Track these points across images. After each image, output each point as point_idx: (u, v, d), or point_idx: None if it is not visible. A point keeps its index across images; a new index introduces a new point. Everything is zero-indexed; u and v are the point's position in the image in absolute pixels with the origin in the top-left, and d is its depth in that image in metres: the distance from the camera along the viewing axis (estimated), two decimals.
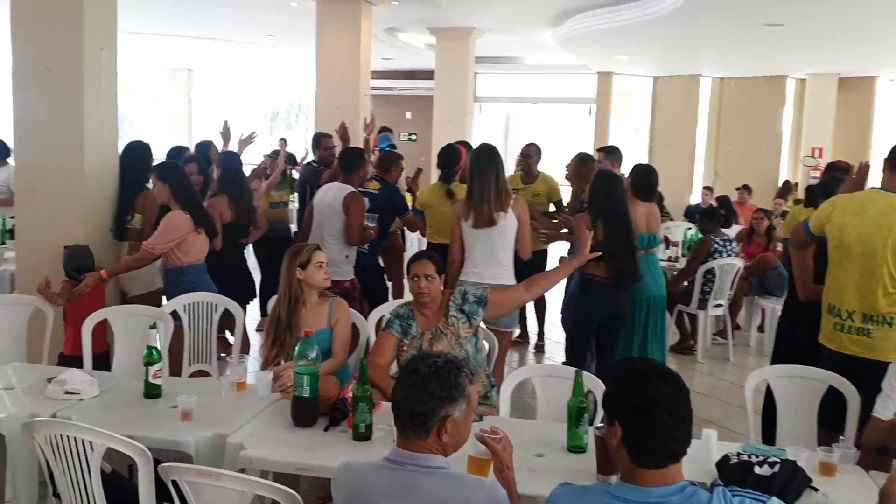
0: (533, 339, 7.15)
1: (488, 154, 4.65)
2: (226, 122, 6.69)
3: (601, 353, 4.96)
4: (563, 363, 4.94)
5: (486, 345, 3.85)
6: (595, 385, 3.26)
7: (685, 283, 6.96)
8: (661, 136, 14.81)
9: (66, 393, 3.13)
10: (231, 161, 5.61)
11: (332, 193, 5.32)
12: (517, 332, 6.45)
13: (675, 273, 7.08)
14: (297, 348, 2.97)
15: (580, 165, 5.99)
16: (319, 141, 6.68)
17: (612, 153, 6.20)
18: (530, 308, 7.10)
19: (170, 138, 13.16)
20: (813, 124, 13.75)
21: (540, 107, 16.35)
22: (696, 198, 12.88)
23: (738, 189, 10.69)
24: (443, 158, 5.76)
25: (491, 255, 4.60)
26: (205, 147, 6.61)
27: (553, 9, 9.68)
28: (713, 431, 2.72)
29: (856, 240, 3.40)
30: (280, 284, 3.71)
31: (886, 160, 3.50)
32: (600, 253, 4.14)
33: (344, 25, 7.95)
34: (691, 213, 10.47)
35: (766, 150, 13.97)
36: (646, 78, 15.01)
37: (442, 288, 3.66)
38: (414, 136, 16.13)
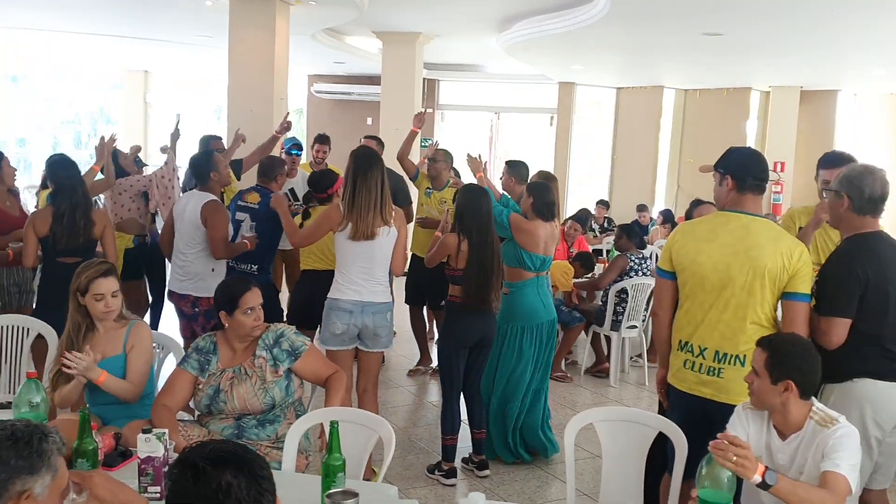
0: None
1: (370, 158, 4.23)
2: (177, 115, 6.38)
3: (464, 379, 4.61)
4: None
5: (302, 391, 3.44)
6: None
7: (600, 304, 6.63)
8: (624, 149, 14.48)
9: None
10: (62, 168, 4.84)
11: (192, 203, 4.95)
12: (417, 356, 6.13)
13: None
14: (18, 393, 2.58)
15: (510, 173, 5.70)
16: (208, 143, 6.34)
17: (514, 167, 5.80)
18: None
19: (125, 140, 12.79)
20: (775, 137, 13.47)
21: (527, 116, 15.98)
22: (656, 210, 12.54)
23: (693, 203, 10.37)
24: (313, 180, 5.24)
25: (370, 272, 4.22)
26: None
27: (494, 15, 9.36)
28: (480, 495, 2.35)
29: (711, 269, 3.04)
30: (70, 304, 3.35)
31: (731, 177, 3.13)
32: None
33: (258, 25, 7.59)
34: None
35: None
36: (609, 89, 14.69)
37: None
38: None
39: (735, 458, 2.21)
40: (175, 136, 6.26)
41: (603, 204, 11.79)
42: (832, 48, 9.38)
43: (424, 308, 6.72)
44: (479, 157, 5.38)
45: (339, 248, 4.22)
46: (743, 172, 3.12)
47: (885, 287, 3.03)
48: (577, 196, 14.54)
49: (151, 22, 10.35)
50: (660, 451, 3.02)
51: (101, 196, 6.25)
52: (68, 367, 3.06)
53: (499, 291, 4.49)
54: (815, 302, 3.09)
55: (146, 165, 7.09)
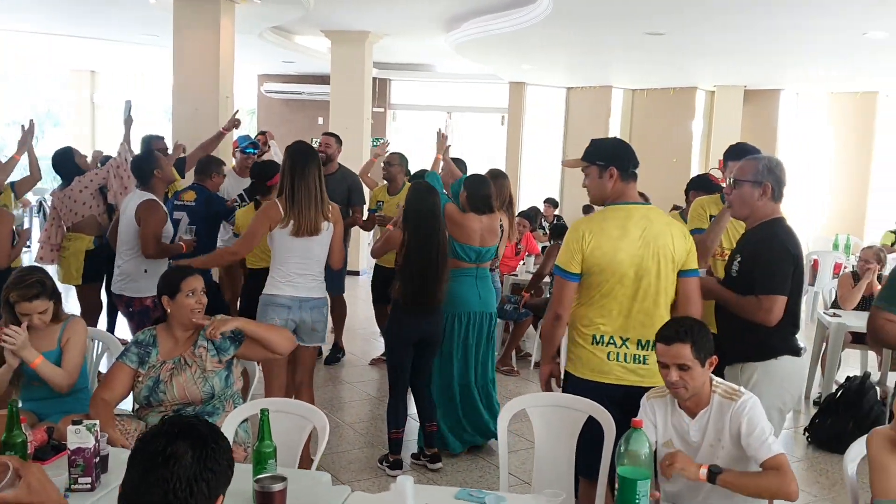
0: None
1: (308, 152, 4.22)
2: (128, 102, 6.28)
3: (414, 374, 4.66)
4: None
5: (241, 382, 3.44)
6: None
7: (547, 297, 6.71)
8: (574, 148, 14.63)
9: None
10: None
11: (131, 203, 4.93)
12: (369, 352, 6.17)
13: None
14: None
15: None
16: (150, 143, 6.29)
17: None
18: None
19: (71, 141, 12.58)
20: (720, 135, 13.73)
21: (479, 115, 16.04)
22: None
23: None
24: (255, 172, 5.26)
25: (307, 267, 4.23)
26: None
27: (442, 14, 9.41)
28: (409, 478, 2.39)
29: (629, 265, 3.12)
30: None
31: (615, 168, 3.16)
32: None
33: (202, 23, 7.54)
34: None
35: (676, 162, 13.88)
36: (559, 89, 14.86)
37: None
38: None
39: (679, 467, 2.43)
40: (128, 122, 6.20)
41: (551, 202, 11.91)
42: (773, 48, 9.62)
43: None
44: (445, 138, 5.39)
45: (278, 244, 4.20)
46: (625, 162, 3.18)
47: (802, 268, 3.23)
48: (529, 195, 14.67)
49: (96, 20, 10.22)
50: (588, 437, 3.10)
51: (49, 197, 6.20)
52: (5, 342, 3.07)
53: (444, 289, 4.51)
54: (724, 282, 3.29)
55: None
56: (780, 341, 3.20)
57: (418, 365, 4.63)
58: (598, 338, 3.17)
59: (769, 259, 3.17)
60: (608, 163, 3.16)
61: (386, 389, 6.15)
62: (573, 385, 3.20)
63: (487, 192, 4.96)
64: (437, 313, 4.56)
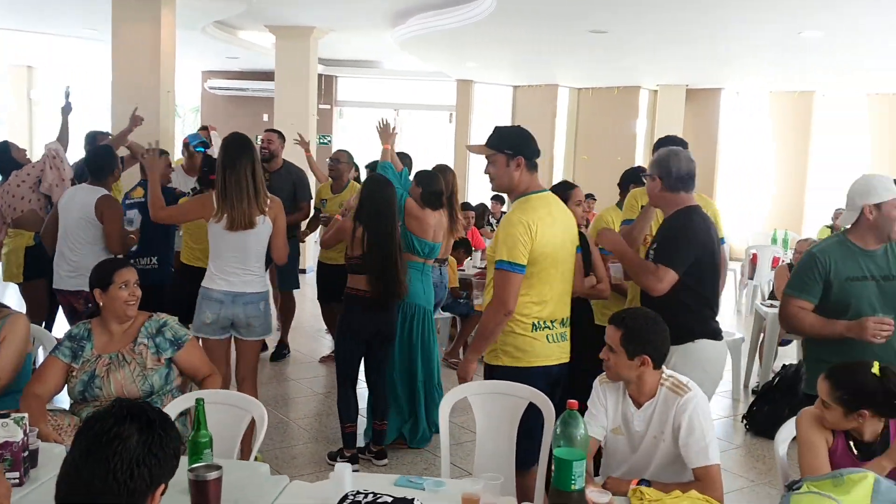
0: None
1: (241, 144, 4.15)
2: (67, 88, 6.10)
3: (367, 371, 4.65)
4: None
5: (181, 380, 3.38)
6: None
7: None
8: None
9: None
10: None
11: (81, 198, 4.83)
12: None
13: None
14: None
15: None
16: (95, 139, 6.15)
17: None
18: None
19: (8, 137, 12.19)
20: (663, 134, 13.88)
21: (427, 113, 16.04)
22: None
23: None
24: (203, 162, 5.21)
25: (244, 262, 4.17)
26: None
27: (387, 9, 9.40)
28: (347, 465, 2.39)
29: (560, 249, 3.25)
30: None
31: (523, 157, 3.21)
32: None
33: (142, 16, 7.39)
34: None
35: (620, 160, 14.06)
36: (506, 87, 14.95)
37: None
38: None
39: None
40: (66, 109, 6.03)
41: (498, 199, 11.95)
42: (712, 47, 9.81)
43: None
44: (388, 124, 5.27)
45: (213, 238, 4.16)
46: (531, 152, 3.25)
47: (712, 255, 3.35)
48: (477, 192, 14.72)
49: (32, 13, 9.94)
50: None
51: None
52: None
53: (403, 283, 4.50)
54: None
55: None
56: (696, 324, 3.29)
57: (373, 361, 4.61)
58: (537, 324, 3.23)
59: (674, 237, 3.31)
60: (516, 152, 3.21)
61: (333, 386, 6.14)
62: (509, 377, 3.19)
63: (440, 188, 4.98)
64: (393, 309, 4.55)
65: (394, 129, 5.26)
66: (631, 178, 4.90)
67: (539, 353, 3.24)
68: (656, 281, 3.22)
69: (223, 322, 4.15)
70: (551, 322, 3.25)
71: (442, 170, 5.71)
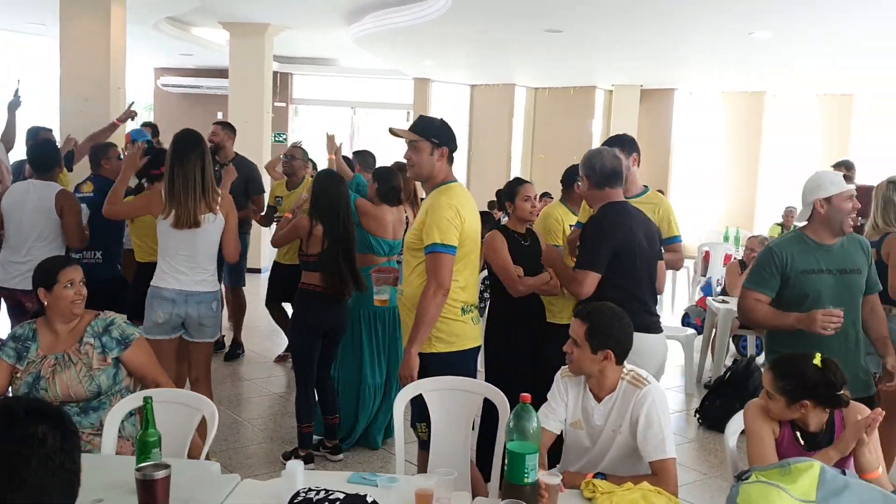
0: None
1: (191, 141, 4.09)
2: (17, 82, 5.94)
3: (318, 368, 4.61)
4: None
5: (130, 380, 3.31)
6: None
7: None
8: (479, 145, 14.80)
9: None
10: None
11: (36, 194, 4.72)
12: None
13: None
14: None
15: (356, 162, 5.89)
16: (37, 135, 6.00)
17: (360, 156, 6.10)
18: None
19: None
20: (618, 133, 14.09)
21: (384, 111, 15.97)
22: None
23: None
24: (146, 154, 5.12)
25: (194, 260, 4.09)
26: None
27: (343, 6, 9.35)
28: (299, 462, 2.37)
29: (476, 235, 3.40)
30: None
31: (448, 149, 3.35)
32: None
33: (91, 11, 7.22)
34: None
35: (576, 160, 14.13)
36: (463, 86, 14.96)
37: None
38: None
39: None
40: (14, 104, 5.88)
41: None
42: (665, 47, 9.93)
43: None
44: (334, 138, 5.45)
45: (162, 235, 4.10)
46: (454, 144, 3.37)
47: (633, 248, 3.43)
48: None
49: None
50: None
51: None
52: None
53: (358, 279, 4.48)
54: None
55: None
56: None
57: (323, 356, 4.58)
58: (465, 307, 3.33)
59: (589, 237, 3.44)
60: (442, 142, 3.29)
61: (287, 385, 6.10)
62: (444, 363, 3.24)
63: (397, 183, 4.97)
64: (345, 304, 4.54)
65: (340, 144, 5.48)
66: (574, 175, 4.93)
67: (469, 335, 3.36)
68: (578, 286, 3.37)
69: (175, 322, 4.08)
70: (472, 305, 3.37)
71: (401, 167, 5.71)
